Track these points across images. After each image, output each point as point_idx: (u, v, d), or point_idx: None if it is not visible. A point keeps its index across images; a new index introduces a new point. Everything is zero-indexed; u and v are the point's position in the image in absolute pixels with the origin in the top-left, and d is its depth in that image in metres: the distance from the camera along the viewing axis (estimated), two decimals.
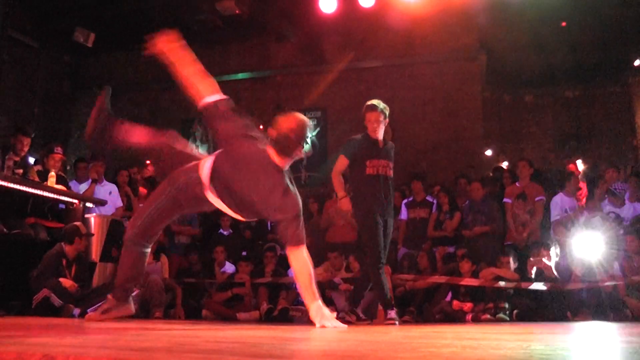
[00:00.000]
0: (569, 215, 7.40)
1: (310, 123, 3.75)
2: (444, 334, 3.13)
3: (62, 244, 5.97)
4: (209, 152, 3.88)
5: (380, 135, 5.42)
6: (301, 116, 3.74)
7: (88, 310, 5.67)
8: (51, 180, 6.15)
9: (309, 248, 3.89)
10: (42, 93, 11.77)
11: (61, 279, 5.74)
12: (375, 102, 5.43)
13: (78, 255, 6.06)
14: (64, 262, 5.92)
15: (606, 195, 7.66)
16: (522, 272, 6.56)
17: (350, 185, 5.61)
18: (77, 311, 5.61)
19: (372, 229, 5.16)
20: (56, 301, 5.64)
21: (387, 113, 5.43)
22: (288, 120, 3.66)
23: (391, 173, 5.41)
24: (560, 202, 7.50)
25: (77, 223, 6.10)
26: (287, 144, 3.59)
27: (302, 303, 7.18)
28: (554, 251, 6.69)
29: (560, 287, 6.29)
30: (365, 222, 5.25)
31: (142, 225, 3.76)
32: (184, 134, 12.06)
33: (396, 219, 6.95)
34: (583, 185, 8.70)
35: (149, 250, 3.90)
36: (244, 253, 8.12)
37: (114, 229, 6.89)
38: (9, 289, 5.87)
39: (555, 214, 7.45)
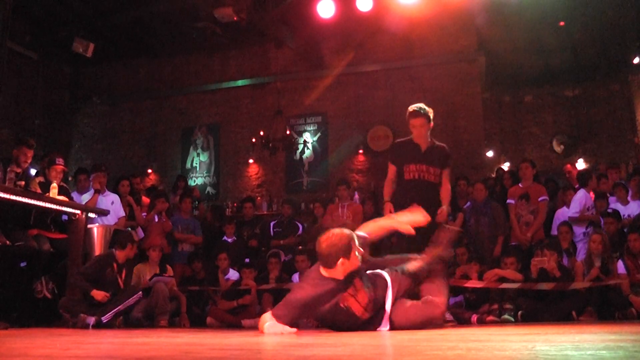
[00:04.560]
0: (587, 215, 7.38)
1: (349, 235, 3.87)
2: (448, 336, 3.12)
3: (114, 249, 6.24)
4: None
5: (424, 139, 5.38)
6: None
7: (102, 318, 5.73)
8: (53, 192, 6.14)
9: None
10: (42, 104, 11.80)
11: (93, 292, 5.85)
12: (416, 107, 5.36)
13: (127, 261, 6.33)
14: (115, 266, 6.13)
15: (615, 190, 7.62)
16: (526, 273, 6.55)
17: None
18: (91, 320, 5.65)
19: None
20: (67, 317, 5.83)
21: (431, 116, 5.35)
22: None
23: (433, 178, 5.34)
24: (584, 198, 7.47)
25: (130, 230, 6.54)
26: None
27: None
28: (558, 251, 6.68)
29: (564, 286, 6.27)
30: None
31: None
32: (185, 141, 12.09)
33: None
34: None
35: None
36: (247, 260, 8.11)
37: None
38: (12, 300, 5.87)
39: (574, 210, 7.43)
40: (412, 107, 5.38)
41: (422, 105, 5.39)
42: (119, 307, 5.92)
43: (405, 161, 5.39)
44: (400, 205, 4.94)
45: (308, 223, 8.96)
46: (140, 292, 6.27)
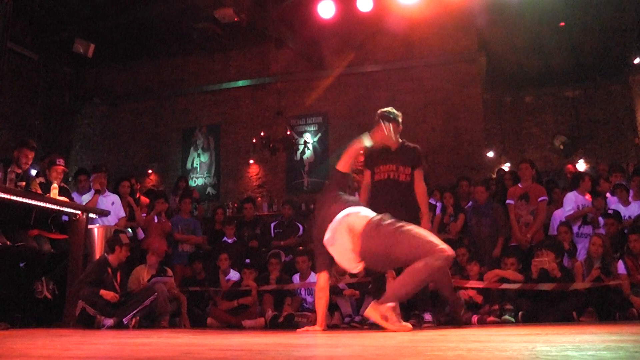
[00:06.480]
0: (582, 210, 7.38)
1: None
2: (449, 337, 3.12)
3: (105, 254, 6.27)
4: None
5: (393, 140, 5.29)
6: None
7: (123, 319, 5.77)
8: (54, 192, 6.15)
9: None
10: (43, 105, 11.80)
11: (102, 291, 5.91)
12: (387, 111, 5.28)
13: (121, 264, 6.34)
14: (110, 270, 6.15)
15: (616, 191, 7.62)
16: (527, 273, 6.54)
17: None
18: (109, 321, 5.69)
19: None
20: (91, 311, 5.86)
21: (400, 120, 5.29)
22: None
23: (403, 177, 5.24)
24: (574, 198, 7.48)
25: (121, 234, 6.52)
26: None
27: (306, 309, 7.18)
28: (558, 251, 6.67)
29: (565, 287, 6.26)
30: None
31: None
32: (185, 142, 12.10)
33: None
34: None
35: None
36: (247, 260, 8.11)
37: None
38: (12, 301, 5.87)
39: (568, 209, 7.44)
40: (382, 111, 5.28)
41: (391, 109, 5.31)
42: (138, 308, 5.99)
43: (376, 163, 5.35)
44: (372, 207, 4.69)
45: (308, 224, 8.95)
46: (156, 293, 6.30)
